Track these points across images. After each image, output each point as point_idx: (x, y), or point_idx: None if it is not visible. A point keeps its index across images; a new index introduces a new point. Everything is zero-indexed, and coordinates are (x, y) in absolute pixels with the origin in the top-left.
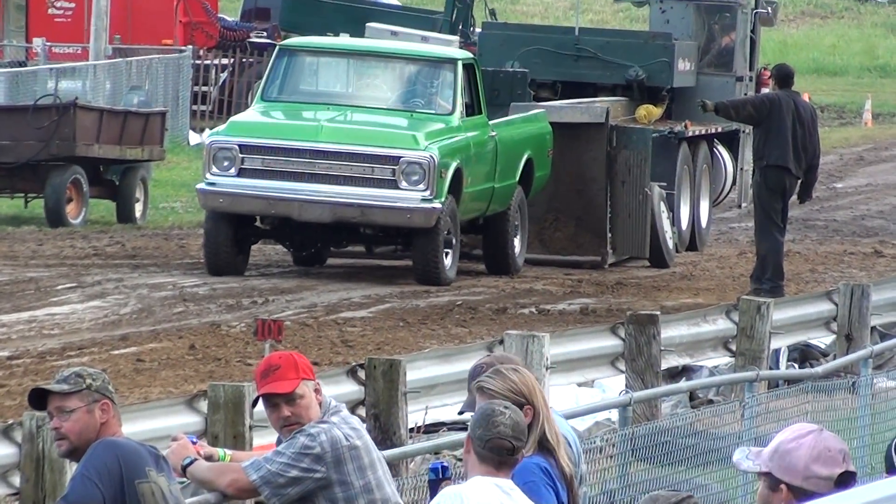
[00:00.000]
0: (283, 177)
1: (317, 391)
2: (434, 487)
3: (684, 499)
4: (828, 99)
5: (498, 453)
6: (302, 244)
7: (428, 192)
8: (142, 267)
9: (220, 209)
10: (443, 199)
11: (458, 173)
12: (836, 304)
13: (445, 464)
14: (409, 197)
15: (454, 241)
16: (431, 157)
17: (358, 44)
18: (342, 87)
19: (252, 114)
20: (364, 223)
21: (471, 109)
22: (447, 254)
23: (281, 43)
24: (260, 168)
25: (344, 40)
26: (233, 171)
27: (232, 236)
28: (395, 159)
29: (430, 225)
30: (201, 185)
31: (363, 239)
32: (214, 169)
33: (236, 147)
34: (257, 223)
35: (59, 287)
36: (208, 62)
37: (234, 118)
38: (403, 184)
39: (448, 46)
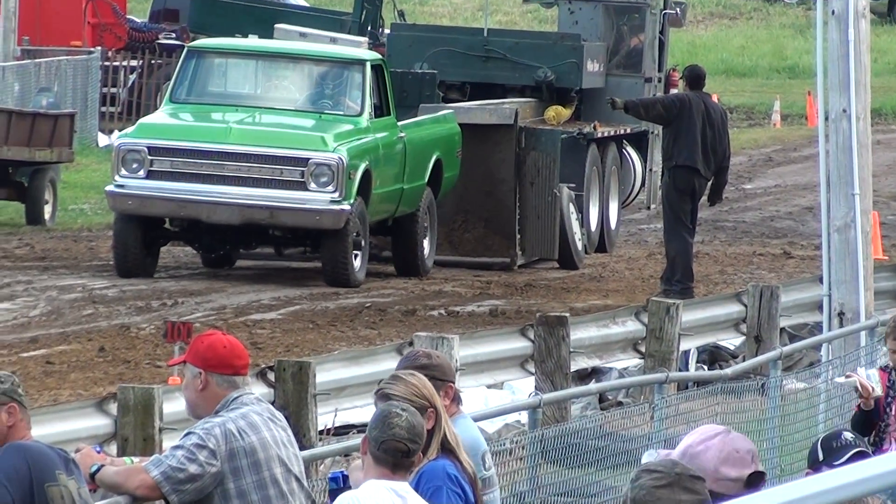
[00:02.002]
0: (192, 179)
1: (204, 383)
2: (335, 496)
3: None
4: (736, 100)
5: (393, 455)
6: (211, 246)
7: (337, 194)
8: (51, 269)
9: (129, 211)
10: (352, 201)
11: (366, 175)
12: (746, 306)
13: (346, 472)
14: (318, 198)
15: (363, 242)
16: (340, 158)
17: (266, 45)
18: (251, 88)
19: (161, 115)
20: (273, 225)
21: (379, 111)
22: (356, 255)
23: (189, 44)
24: (169, 170)
25: (252, 42)
26: (141, 173)
27: (141, 238)
28: (303, 161)
29: (339, 226)
30: (110, 188)
31: (272, 241)
32: (123, 171)
33: (145, 149)
34: (166, 225)
35: None
36: (117, 64)
37: (142, 120)
38: (312, 185)
39: (357, 48)
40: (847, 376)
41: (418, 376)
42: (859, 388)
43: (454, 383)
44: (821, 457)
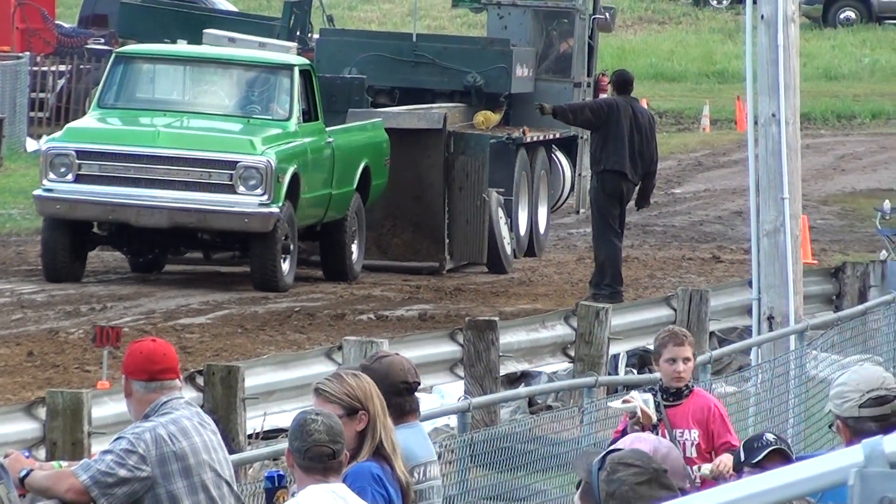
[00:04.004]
0: (121, 182)
1: (127, 390)
2: (270, 495)
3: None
4: (666, 104)
5: (319, 460)
6: (140, 250)
7: (265, 197)
8: None
9: (58, 215)
10: (280, 204)
11: (295, 179)
12: (675, 310)
13: (282, 472)
14: (247, 202)
15: (292, 246)
16: (268, 161)
17: (194, 50)
18: (179, 93)
19: (89, 120)
20: (202, 228)
21: (307, 116)
22: (285, 259)
23: (117, 50)
24: (97, 174)
25: (180, 47)
26: (70, 177)
27: (69, 243)
28: (232, 164)
29: (268, 229)
30: (38, 192)
31: (201, 245)
32: (51, 175)
33: (73, 153)
34: (95, 230)
35: None
36: (46, 69)
37: (70, 124)
38: (241, 188)
39: (285, 53)
40: (625, 401)
41: (360, 378)
42: (639, 414)
43: (392, 394)
44: (742, 457)
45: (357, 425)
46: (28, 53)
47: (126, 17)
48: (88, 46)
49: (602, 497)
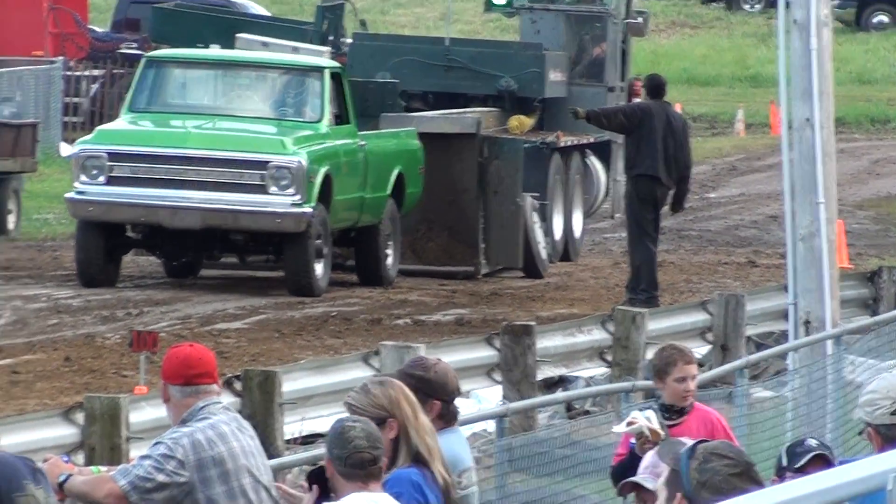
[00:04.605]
0: (153, 184)
1: (165, 395)
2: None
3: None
4: (700, 109)
5: (361, 467)
6: (173, 253)
7: (297, 197)
8: (16, 279)
9: (90, 218)
10: (312, 204)
11: (327, 180)
12: (711, 315)
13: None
14: (279, 202)
15: (325, 250)
16: (300, 161)
17: (224, 54)
18: (210, 97)
19: (120, 122)
20: (234, 229)
21: (339, 119)
22: (319, 263)
23: (147, 54)
24: (129, 176)
25: (210, 51)
26: (102, 179)
27: (103, 246)
28: (263, 164)
29: (301, 229)
30: (70, 195)
31: (234, 247)
32: (83, 177)
33: (105, 155)
34: (128, 233)
35: None
36: (79, 73)
37: (101, 127)
38: (273, 188)
39: (318, 57)
40: (629, 423)
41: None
42: (647, 433)
43: (444, 402)
44: (784, 462)
45: (388, 433)
46: (61, 58)
47: (159, 22)
48: (121, 51)
49: (693, 485)
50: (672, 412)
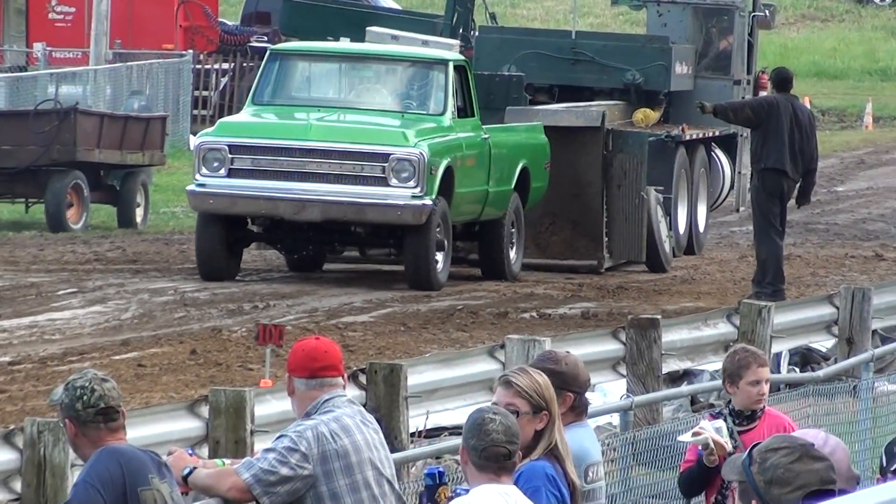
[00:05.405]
0: (274, 176)
1: (290, 387)
2: (431, 492)
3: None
4: (828, 102)
5: (495, 460)
6: (294, 246)
7: (418, 189)
8: (143, 272)
9: (211, 210)
10: (433, 197)
11: (448, 172)
12: (838, 308)
13: (442, 469)
14: (400, 194)
15: (446, 243)
16: (421, 153)
17: (346, 47)
18: (333, 90)
19: (242, 115)
20: (355, 221)
21: (463, 112)
22: (439, 256)
23: (272, 47)
24: (250, 168)
25: (332, 44)
26: (223, 171)
27: (223, 238)
28: (384, 156)
29: (421, 222)
30: (191, 187)
31: (354, 240)
32: (204, 170)
33: (225, 147)
34: (249, 226)
35: (60, 292)
36: (209, 67)
37: (223, 119)
38: (394, 181)
39: (448, 50)
40: (695, 433)
41: (544, 377)
42: (712, 445)
43: (576, 394)
44: (884, 462)
45: (538, 424)
46: (191, 51)
47: (288, 15)
48: (251, 44)
49: (761, 487)
50: (743, 418)
